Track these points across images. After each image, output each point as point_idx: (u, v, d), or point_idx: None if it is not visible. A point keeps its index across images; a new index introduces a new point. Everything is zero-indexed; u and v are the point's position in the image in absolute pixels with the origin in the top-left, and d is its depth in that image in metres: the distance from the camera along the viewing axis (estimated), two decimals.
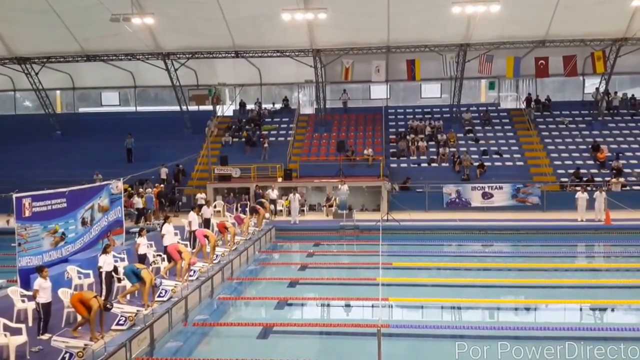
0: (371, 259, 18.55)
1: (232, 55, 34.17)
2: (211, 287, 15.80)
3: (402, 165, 32.25)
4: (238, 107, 38.86)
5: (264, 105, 38.46)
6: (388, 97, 38.36)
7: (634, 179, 29.28)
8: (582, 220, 24.60)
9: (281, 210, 28.10)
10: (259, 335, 12.04)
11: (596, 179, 29.21)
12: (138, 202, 26.05)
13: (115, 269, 13.83)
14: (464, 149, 32.79)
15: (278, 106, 38.67)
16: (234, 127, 36.29)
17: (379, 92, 38.38)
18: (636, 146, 32.09)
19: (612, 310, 14.66)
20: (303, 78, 36.99)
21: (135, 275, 12.36)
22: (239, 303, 14.60)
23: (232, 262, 18.03)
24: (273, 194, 28.15)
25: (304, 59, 34.16)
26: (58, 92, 40.99)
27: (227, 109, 39.06)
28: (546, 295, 15.46)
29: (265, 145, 33.20)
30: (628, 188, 28.61)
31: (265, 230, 23.51)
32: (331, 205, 27.93)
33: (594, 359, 10.61)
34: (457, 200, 28.64)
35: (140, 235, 15.81)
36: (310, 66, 34.26)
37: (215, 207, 27.87)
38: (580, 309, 14.56)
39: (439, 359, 10.71)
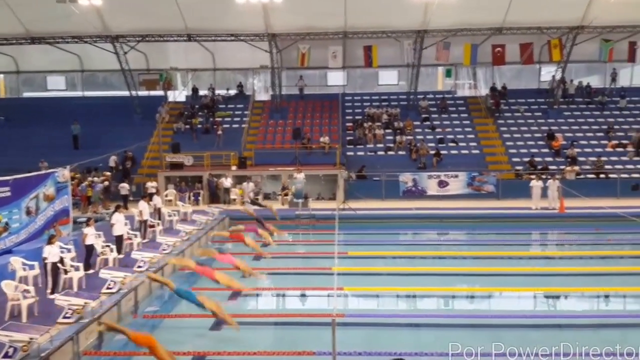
0: (327, 248, 18.60)
1: (185, 38, 33.65)
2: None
3: (359, 153, 32.45)
4: (190, 92, 38.36)
5: (217, 91, 38.02)
6: (345, 83, 38.51)
7: (588, 167, 30.24)
8: (536, 209, 25.33)
9: (235, 199, 27.94)
10: (211, 326, 11.99)
11: (551, 167, 30.05)
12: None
13: (61, 260, 13.53)
14: (421, 136, 33.21)
15: (232, 92, 38.33)
16: (186, 113, 35.78)
17: (335, 79, 38.48)
18: (591, 135, 33.12)
19: (566, 297, 15.17)
20: (258, 63, 36.72)
21: (193, 303, 11.54)
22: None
23: (184, 253, 17.86)
24: (227, 182, 27.98)
25: (259, 44, 33.92)
26: (1, 76, 39.78)
27: (179, 95, 38.48)
28: (501, 283, 15.83)
29: (219, 132, 32.87)
30: (582, 176, 29.53)
31: (218, 219, 23.35)
32: (287, 194, 27.92)
33: (548, 345, 10.97)
34: (413, 188, 29.00)
35: (87, 225, 15.50)
36: (265, 51, 34.04)
37: (166, 196, 27.53)
38: (535, 297, 15.02)
39: (395, 348, 10.85)
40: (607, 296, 14.93)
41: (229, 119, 35.66)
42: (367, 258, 18.57)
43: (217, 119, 35.10)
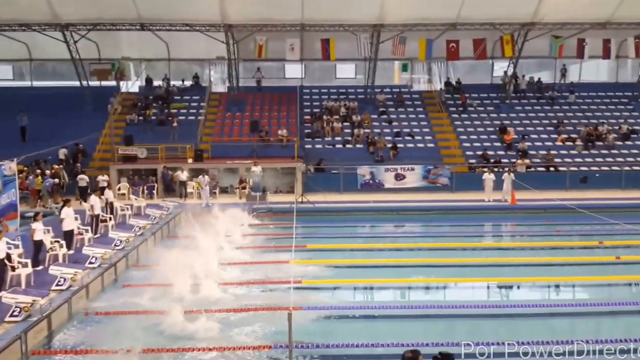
0: (285, 242, 18.58)
1: (138, 27, 32.96)
2: (115, 275, 15.32)
3: (317, 146, 32.45)
4: (144, 83, 37.59)
5: (172, 82, 37.38)
6: (303, 76, 38.38)
7: (538, 160, 30.97)
8: (489, 201, 25.86)
9: (191, 193, 27.59)
10: (166, 323, 11.79)
11: (503, 160, 30.67)
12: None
13: (9, 257, 13.07)
14: (378, 130, 33.43)
15: (188, 83, 37.74)
16: (139, 104, 35.04)
17: (293, 71, 38.32)
18: (541, 129, 33.95)
19: (518, 287, 15.50)
20: (214, 54, 36.25)
21: None
22: (145, 290, 14.18)
23: (138, 248, 17.52)
24: (183, 175, 27.57)
25: (215, 35, 33.50)
26: None
27: (132, 85, 37.61)
28: (455, 274, 16.08)
29: (174, 124, 32.33)
30: (533, 169, 30.26)
31: (173, 213, 23.00)
32: (244, 187, 27.71)
33: (501, 334, 11.20)
34: (370, 181, 29.18)
35: (35, 220, 15.02)
36: (222, 42, 33.64)
37: (119, 189, 26.97)
38: (488, 287, 15.31)
39: (352, 339, 10.89)
40: (557, 286, 15.32)
41: (184, 110, 35.10)
42: (325, 251, 18.56)
43: (172, 110, 34.51)
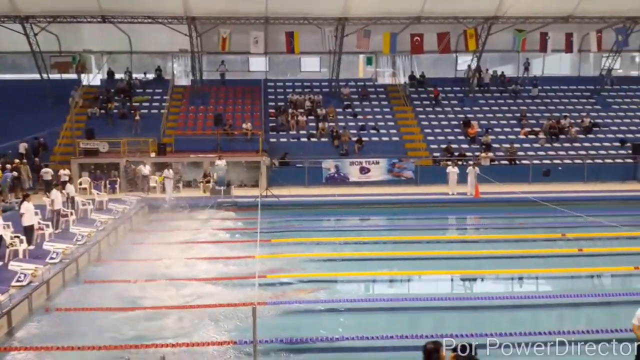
0: (249, 236, 18.48)
1: (99, 20, 32.28)
2: (76, 270, 15.01)
3: (282, 139, 32.31)
4: (106, 76, 36.86)
5: (134, 75, 36.71)
6: (267, 69, 38.15)
7: (502, 153, 31.43)
8: (453, 194, 26.12)
9: (154, 187, 27.19)
10: (128, 318, 11.60)
11: (467, 154, 31.02)
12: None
13: None
14: (343, 123, 33.47)
15: (150, 76, 37.14)
16: (101, 97, 34.34)
17: (258, 65, 38.05)
18: (504, 122, 34.43)
19: (482, 280, 15.70)
20: (177, 47, 35.70)
21: None
22: (107, 286, 13.94)
23: (100, 243, 17.19)
24: (145, 169, 27.14)
25: (178, 27, 32.99)
26: None
27: (93, 78, 36.82)
28: (420, 267, 16.19)
29: (137, 117, 31.81)
30: (496, 162, 30.69)
31: (136, 208, 22.64)
32: (208, 182, 27.44)
33: (464, 326, 11.32)
34: (335, 175, 29.21)
35: None
36: (185, 35, 33.16)
37: (80, 184, 26.42)
38: (452, 280, 15.46)
39: (318, 334, 10.88)
40: (520, 278, 15.55)
41: (147, 104, 34.55)
42: (289, 245, 18.53)
43: (134, 103, 33.92)
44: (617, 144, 32.51)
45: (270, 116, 34.07)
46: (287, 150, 30.69)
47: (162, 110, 33.56)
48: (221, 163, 26.72)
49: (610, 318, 12.02)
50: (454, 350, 6.69)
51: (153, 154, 28.72)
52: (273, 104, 35.29)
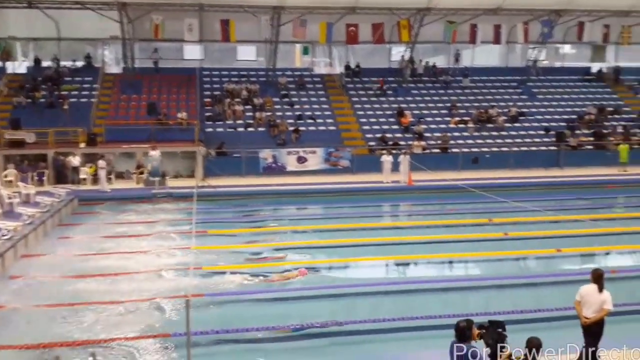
0: (185, 227, 18.22)
1: (25, 5, 30.91)
2: (2, 266, 14.39)
3: (218, 129, 31.92)
4: (32, 64, 35.29)
5: (62, 63, 35.27)
6: (202, 58, 37.49)
7: (434, 142, 32.14)
8: (387, 182, 26.57)
9: (85, 179, 26.35)
10: (58, 314, 11.26)
11: (400, 142, 31.55)
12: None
13: None
14: (280, 113, 33.37)
15: (79, 64, 35.74)
16: (27, 86, 32.79)
17: (192, 53, 37.34)
18: (436, 112, 35.19)
19: (415, 264, 16.06)
20: (108, 34, 34.66)
21: None
22: (35, 282, 13.45)
23: (27, 237, 16.53)
24: (75, 160, 26.27)
25: (108, 13, 31.98)
26: None
27: (19, 66, 35.28)
28: (356, 253, 16.37)
29: (65, 107, 30.58)
30: (428, 151, 31.36)
31: (65, 200, 21.88)
32: (142, 173, 26.83)
33: (400, 310, 11.57)
34: (273, 164, 29.17)
35: None
36: (116, 21, 32.16)
37: (6, 176, 25.30)
38: (387, 265, 15.73)
39: (256, 323, 10.86)
40: (450, 262, 15.99)
41: (76, 92, 33.23)
42: (227, 236, 18.36)
43: (62, 92, 32.57)
44: (542, 132, 33.85)
45: (206, 105, 33.54)
46: (224, 140, 30.35)
47: (92, 99, 32.42)
48: (155, 153, 26.15)
49: (535, 299, 12.54)
50: (480, 327, 7.07)
51: (83, 145, 27.76)
52: (209, 93, 34.75)
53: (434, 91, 37.28)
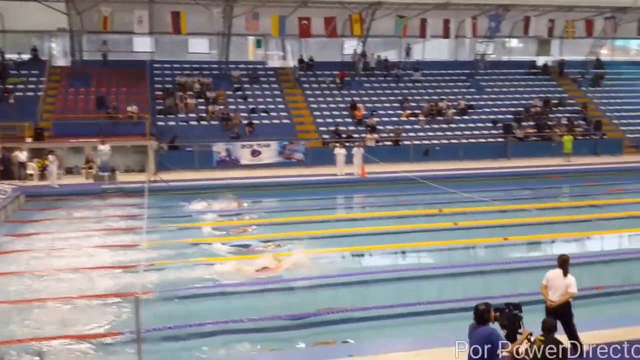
0: (137, 223, 17.81)
1: None
2: None
3: (170, 123, 31.33)
4: None
5: (8, 56, 33.96)
6: (153, 50, 36.69)
7: (386, 135, 32.35)
8: (341, 175, 26.61)
9: (32, 175, 25.47)
10: (3, 314, 10.83)
11: (354, 135, 31.65)
12: None
13: None
14: (233, 106, 32.99)
15: (26, 57, 34.46)
16: None
17: (142, 45, 36.50)
18: (388, 105, 35.43)
19: (370, 255, 16.11)
20: (55, 26, 33.45)
21: None
22: None
23: None
24: (22, 155, 25.36)
25: (55, 4, 30.91)
26: None
27: None
28: (311, 245, 16.24)
29: (11, 101, 29.52)
30: (381, 144, 31.55)
31: (12, 196, 21.09)
32: (91, 168, 26.12)
33: (355, 301, 11.60)
34: (227, 158, 28.86)
35: None
36: (63, 13, 31.11)
37: None
38: (343, 257, 15.70)
39: (209, 318, 10.70)
40: (404, 252, 16.10)
41: (22, 86, 32.02)
42: (180, 230, 18.03)
43: (7, 86, 31.36)
44: (490, 124, 34.50)
45: (157, 99, 32.85)
46: (176, 134, 29.83)
47: (39, 93, 31.35)
48: (104, 148, 25.47)
49: (484, 286, 12.76)
50: (495, 310, 7.23)
51: (29, 140, 26.82)
52: (160, 86, 34.04)
53: (386, 85, 37.49)
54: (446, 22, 35.77)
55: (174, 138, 29.51)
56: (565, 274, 8.47)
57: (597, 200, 22.01)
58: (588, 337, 8.47)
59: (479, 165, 29.15)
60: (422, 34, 35.79)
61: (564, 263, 8.57)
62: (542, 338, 7.04)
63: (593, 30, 37.87)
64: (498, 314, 7.37)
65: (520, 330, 7.49)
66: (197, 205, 21.33)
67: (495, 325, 7.15)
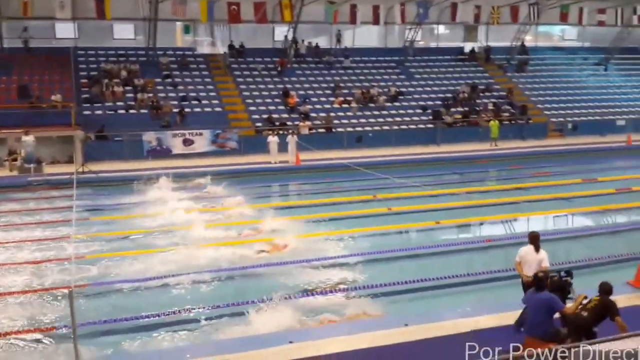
0: (66, 215, 17.30)
1: None
2: None
3: (97, 112, 30.42)
4: None
5: None
6: (77, 36, 35.34)
7: (319, 122, 32.58)
8: (275, 163, 26.66)
9: None
10: None
11: (287, 123, 31.71)
12: None
13: None
14: (163, 94, 32.33)
15: None
16: None
17: (65, 31, 35.00)
18: (320, 92, 35.62)
19: (305, 243, 16.21)
20: None
21: None
22: None
23: None
24: None
25: None
26: None
27: None
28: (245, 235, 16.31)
29: None
30: (314, 131, 31.77)
31: None
32: (15, 160, 25.06)
33: (287, 287, 11.74)
34: (158, 148, 28.29)
35: None
36: None
37: None
38: (277, 245, 15.72)
39: (146, 310, 10.61)
40: (340, 239, 16.30)
41: None
42: (111, 222, 17.65)
43: None
44: (420, 110, 35.33)
45: (82, 87, 31.74)
46: (104, 123, 29.01)
47: None
48: (29, 139, 24.48)
49: (418, 268, 13.18)
50: (548, 277, 8.06)
51: None
52: (85, 73, 32.91)
53: (317, 72, 37.65)
54: (376, 9, 36.14)
55: (101, 127, 28.69)
56: (537, 249, 8.97)
57: (523, 183, 23.06)
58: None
59: (410, 151, 29.84)
60: (353, 20, 36.01)
61: (534, 239, 9.12)
62: (597, 299, 7.70)
63: (518, 17, 39.22)
64: (550, 280, 8.16)
65: (570, 295, 8.22)
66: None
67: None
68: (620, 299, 8.58)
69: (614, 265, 12.86)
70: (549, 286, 8.03)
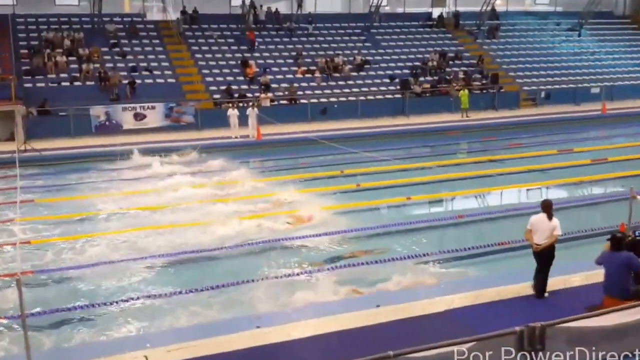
0: (8, 197, 16.88)
1: None
2: None
3: (39, 84, 29.66)
4: None
5: None
6: (15, 3, 34.12)
7: (281, 93, 32.34)
8: (235, 137, 26.43)
9: None
10: None
11: (247, 95, 31.39)
12: None
13: None
14: (111, 65, 31.61)
15: None
16: None
17: None
18: (281, 61, 35.29)
19: (270, 221, 16.16)
20: None
21: None
22: None
23: None
24: None
25: None
26: None
27: None
28: (207, 213, 16.14)
29: None
30: (276, 103, 31.55)
31: None
32: None
33: (256, 266, 11.76)
34: (107, 123, 27.73)
35: None
36: None
37: None
38: (240, 223, 15.63)
39: (97, 299, 10.47)
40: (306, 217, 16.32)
41: None
42: (59, 205, 17.27)
43: None
44: (387, 80, 35.37)
45: (22, 58, 30.82)
46: (47, 97, 28.27)
47: None
48: None
49: (389, 245, 13.30)
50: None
51: None
52: (25, 43, 31.93)
53: (278, 39, 37.25)
54: None
55: (44, 102, 27.98)
56: (550, 217, 9.18)
57: (496, 155, 23.40)
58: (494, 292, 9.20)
59: (378, 123, 29.96)
60: None
61: (547, 207, 9.35)
62: None
63: None
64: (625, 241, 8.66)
65: None
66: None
67: None
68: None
69: (591, 239, 13.15)
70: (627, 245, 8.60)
